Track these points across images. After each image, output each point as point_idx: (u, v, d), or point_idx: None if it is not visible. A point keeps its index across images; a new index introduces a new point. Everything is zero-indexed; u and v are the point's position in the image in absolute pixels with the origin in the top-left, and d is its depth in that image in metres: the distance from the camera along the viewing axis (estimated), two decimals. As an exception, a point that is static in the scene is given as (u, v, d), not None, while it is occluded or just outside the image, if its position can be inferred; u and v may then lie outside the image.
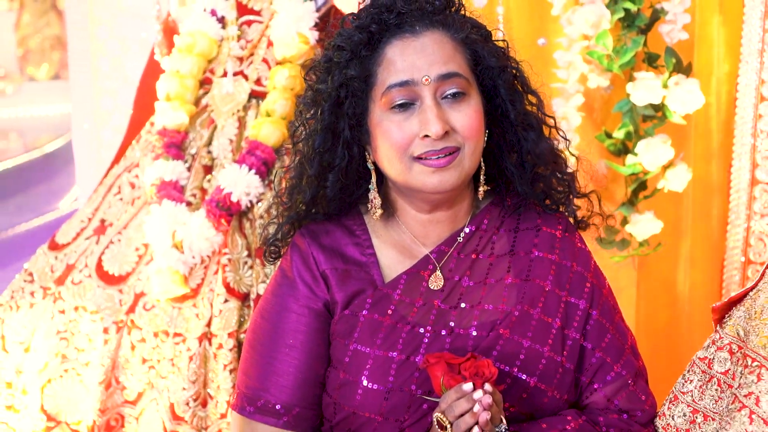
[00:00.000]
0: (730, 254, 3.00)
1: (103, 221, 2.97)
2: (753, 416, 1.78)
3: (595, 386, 1.99)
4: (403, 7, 1.92)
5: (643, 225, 3.02)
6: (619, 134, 3.03)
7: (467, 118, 1.90)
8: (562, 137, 2.04)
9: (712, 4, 3.06)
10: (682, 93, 2.92)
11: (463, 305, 1.96)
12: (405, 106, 1.91)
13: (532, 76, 2.04)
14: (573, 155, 2.08)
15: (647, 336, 3.23)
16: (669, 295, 3.25)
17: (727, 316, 1.99)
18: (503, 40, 1.99)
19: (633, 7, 2.93)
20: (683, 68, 2.95)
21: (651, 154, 2.95)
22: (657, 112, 2.98)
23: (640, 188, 3.06)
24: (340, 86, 1.94)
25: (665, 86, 2.93)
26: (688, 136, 3.10)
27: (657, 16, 2.98)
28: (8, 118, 10.57)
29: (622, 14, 2.94)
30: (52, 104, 10.50)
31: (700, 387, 1.99)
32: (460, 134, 1.90)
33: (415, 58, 1.91)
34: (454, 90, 1.90)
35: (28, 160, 8.48)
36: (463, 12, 1.97)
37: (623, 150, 3.04)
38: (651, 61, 2.99)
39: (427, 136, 1.88)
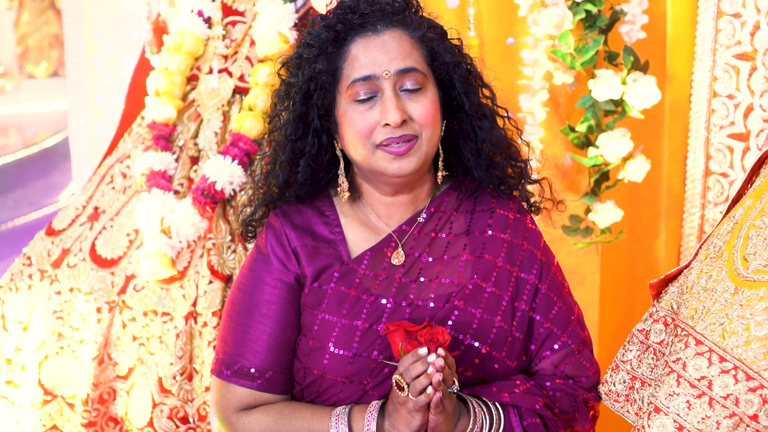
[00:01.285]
0: (686, 240, 3.07)
1: (96, 209, 2.98)
2: (680, 379, 1.87)
3: (543, 354, 2.11)
4: (365, 8, 2.03)
5: (605, 213, 3.11)
6: (581, 128, 3.10)
7: (423, 108, 2.01)
8: (514, 126, 2.16)
9: (668, 6, 3.13)
10: (639, 89, 3.00)
11: (422, 279, 2.08)
12: (367, 99, 2.01)
13: (485, 70, 2.15)
14: (526, 143, 2.20)
15: (610, 317, 3.32)
16: (631, 280, 3.33)
17: (663, 291, 2.11)
18: (458, 39, 2.10)
19: (594, 9, 3.02)
20: (641, 66, 3.03)
21: (611, 146, 3.04)
22: (617, 107, 3.06)
23: (602, 179, 3.14)
24: (310, 79, 2.05)
25: (624, 83, 3.01)
26: (647, 129, 3.17)
27: (616, 17, 3.06)
28: (7, 115, 10.28)
29: (583, 15, 3.03)
30: (50, 101, 10.23)
31: (639, 356, 2.11)
32: (417, 123, 2.01)
33: (377, 55, 2.02)
34: (411, 83, 2.01)
35: (27, 155, 8.26)
36: (420, 13, 2.08)
37: (586, 143, 3.12)
38: (611, 59, 3.07)
39: (387, 124, 1.99)
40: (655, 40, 3.15)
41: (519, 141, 2.19)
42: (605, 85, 3.01)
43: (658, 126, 3.20)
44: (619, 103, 3.06)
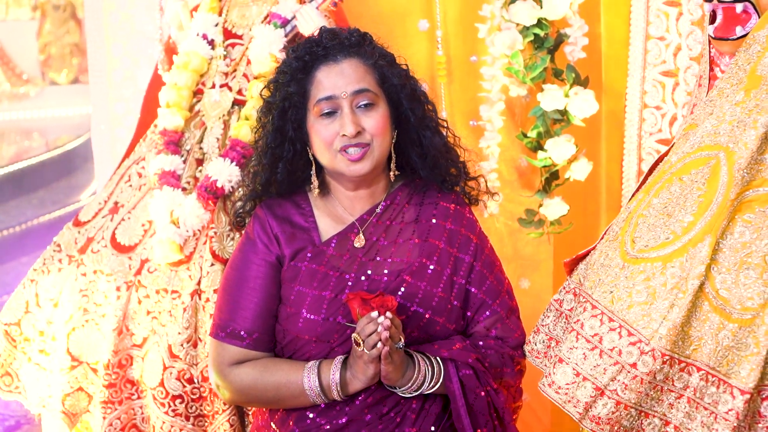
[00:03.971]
0: (623, 231, 3.40)
1: (116, 203, 3.10)
2: (578, 336, 2.17)
3: (477, 319, 2.40)
4: (327, 42, 2.36)
5: (553, 208, 3.43)
6: (533, 134, 3.40)
7: (374, 121, 2.34)
8: (452, 134, 2.50)
9: (605, 29, 3.40)
10: (580, 101, 3.31)
11: (378, 258, 2.38)
12: (330, 114, 2.33)
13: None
14: (464, 149, 2.53)
15: (561, 298, 3.64)
16: (578, 266, 3.67)
17: (575, 268, 2.42)
18: (405, 65, 2.44)
19: (541, 32, 3.32)
20: (581, 81, 3.34)
21: (558, 150, 3.34)
22: (562, 116, 3.34)
23: (552, 178, 3.44)
24: (284, 99, 2.37)
25: (567, 95, 3.31)
26: (590, 135, 3.46)
27: (561, 39, 3.36)
28: (31, 119, 10.33)
29: (532, 38, 3.33)
30: (71, 107, 10.30)
31: (554, 321, 2.40)
32: (369, 133, 2.34)
33: (337, 79, 2.33)
34: (365, 101, 2.33)
35: (50, 157, 8.31)
36: (373, 45, 2.41)
37: (537, 147, 3.41)
38: (556, 75, 3.38)
39: (345, 135, 2.32)
40: (594, 59, 3.43)
41: (457, 144, 2.52)
42: (551, 97, 3.32)
43: (597, 132, 3.47)
44: (563, 112, 3.34)
